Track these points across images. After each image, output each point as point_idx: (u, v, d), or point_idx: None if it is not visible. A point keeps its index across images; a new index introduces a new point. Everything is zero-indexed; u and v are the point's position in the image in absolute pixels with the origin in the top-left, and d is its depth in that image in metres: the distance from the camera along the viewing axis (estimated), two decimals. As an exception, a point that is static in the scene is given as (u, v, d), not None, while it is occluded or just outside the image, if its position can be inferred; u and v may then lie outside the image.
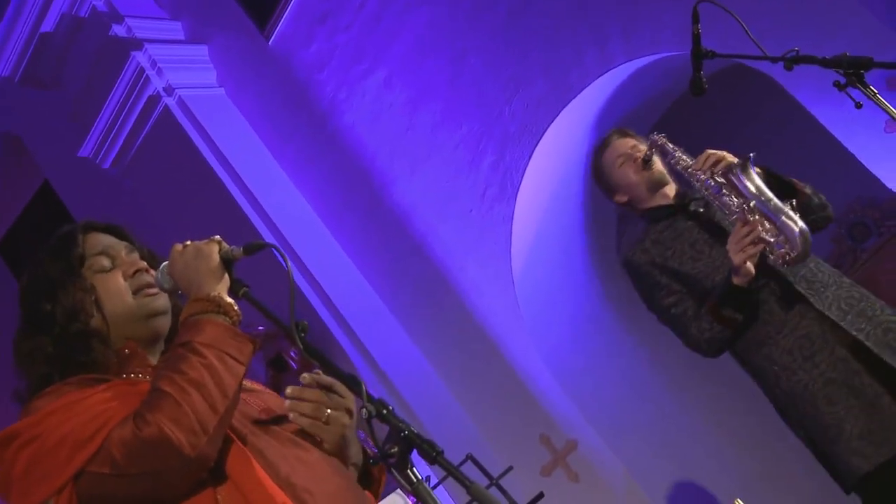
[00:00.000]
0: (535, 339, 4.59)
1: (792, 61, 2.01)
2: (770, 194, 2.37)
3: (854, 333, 2.32)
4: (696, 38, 2.20)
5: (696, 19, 2.18)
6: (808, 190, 2.55)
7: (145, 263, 1.67)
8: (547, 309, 4.70)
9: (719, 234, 2.53)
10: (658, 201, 2.70)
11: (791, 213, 2.32)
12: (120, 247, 1.69)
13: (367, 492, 1.64)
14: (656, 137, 2.63)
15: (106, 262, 1.66)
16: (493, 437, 4.53)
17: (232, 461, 1.46)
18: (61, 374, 1.54)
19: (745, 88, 4.95)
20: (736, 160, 2.40)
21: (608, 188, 2.80)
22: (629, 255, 2.66)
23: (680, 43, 3.95)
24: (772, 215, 2.32)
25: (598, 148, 2.83)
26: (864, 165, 3.79)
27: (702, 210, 2.62)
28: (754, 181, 2.38)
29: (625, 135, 2.82)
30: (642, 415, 4.67)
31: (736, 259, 2.31)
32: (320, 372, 1.59)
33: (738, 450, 4.60)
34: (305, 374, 1.60)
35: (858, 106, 1.92)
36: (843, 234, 5.42)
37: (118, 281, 1.63)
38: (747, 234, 2.31)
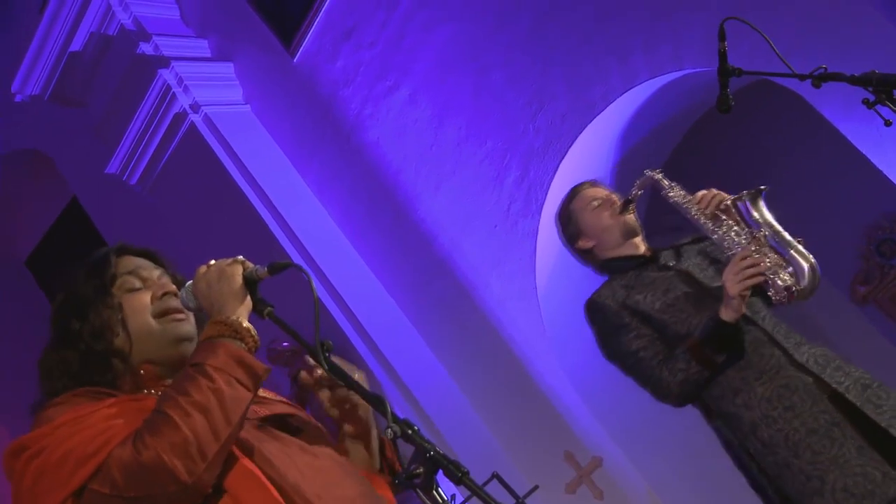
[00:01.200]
0: (560, 355, 4.57)
1: (820, 79, 1.99)
2: (779, 227, 2.31)
3: (835, 386, 2.27)
4: (723, 56, 2.18)
5: (722, 37, 2.16)
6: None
7: (175, 287, 1.68)
8: (571, 325, 4.66)
9: (695, 287, 2.46)
10: (627, 250, 2.62)
11: (800, 247, 2.27)
12: (152, 269, 1.72)
13: (383, 491, 1.63)
14: (651, 173, 2.56)
15: (136, 283, 1.68)
16: (518, 455, 4.50)
17: (235, 478, 1.45)
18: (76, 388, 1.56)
19: (771, 104, 4.92)
20: (745, 192, 2.36)
21: (573, 233, 2.72)
22: (594, 297, 2.56)
23: (703, 59, 3.93)
24: (781, 248, 2.27)
25: (570, 193, 2.77)
26: (891, 181, 3.75)
27: (672, 263, 2.54)
28: (764, 213, 2.33)
29: (597, 184, 2.78)
30: (666, 431, 4.63)
31: (733, 289, 2.23)
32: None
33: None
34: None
35: (888, 124, 1.89)
36: (872, 251, 5.37)
37: (144, 299, 1.65)
38: (749, 266, 2.24)
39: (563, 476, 4.46)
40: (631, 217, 2.63)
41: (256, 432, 1.54)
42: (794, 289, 2.23)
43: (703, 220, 2.40)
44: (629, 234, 2.62)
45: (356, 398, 1.63)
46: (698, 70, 4.03)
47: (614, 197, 2.68)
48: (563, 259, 4.74)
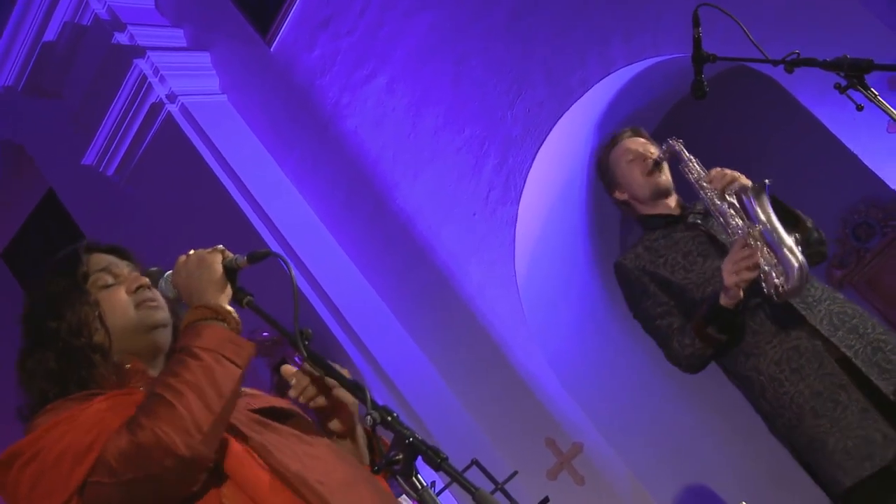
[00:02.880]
0: (540, 342, 4.59)
1: (793, 64, 2.00)
2: (777, 224, 2.32)
3: (843, 350, 2.31)
4: (698, 42, 2.19)
5: (696, 23, 2.17)
6: (809, 224, 2.53)
7: (147, 280, 1.68)
8: (551, 312, 4.70)
9: (714, 247, 2.51)
10: (659, 209, 2.66)
11: (794, 246, 2.28)
12: (122, 265, 1.72)
13: (378, 476, 1.64)
14: (673, 142, 2.58)
15: (109, 279, 1.67)
16: (499, 441, 4.53)
17: (233, 461, 1.46)
18: (61, 390, 1.56)
19: (747, 90, 4.96)
20: (751, 184, 2.36)
21: (610, 183, 2.75)
22: (621, 260, 2.63)
23: (680, 45, 3.95)
24: (774, 245, 2.28)
25: (609, 142, 2.78)
26: (867, 166, 3.79)
27: (699, 222, 2.59)
28: (765, 208, 2.34)
29: (638, 134, 2.77)
30: (647, 417, 4.67)
31: (728, 280, 2.28)
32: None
33: (745, 452, 4.59)
34: (305, 364, 1.62)
35: (860, 108, 1.91)
36: (848, 234, 5.43)
37: (121, 295, 1.65)
38: (745, 258, 2.28)
39: (544, 462, 4.49)
40: (662, 178, 2.64)
41: (253, 424, 1.56)
42: (782, 288, 2.26)
43: (712, 198, 2.43)
44: (659, 194, 2.65)
45: (340, 395, 1.64)
46: (675, 56, 4.05)
47: (650, 152, 2.67)
48: (542, 246, 4.77)
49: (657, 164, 2.62)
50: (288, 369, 1.66)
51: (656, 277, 2.53)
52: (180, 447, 1.35)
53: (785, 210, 2.46)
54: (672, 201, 2.67)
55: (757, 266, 2.27)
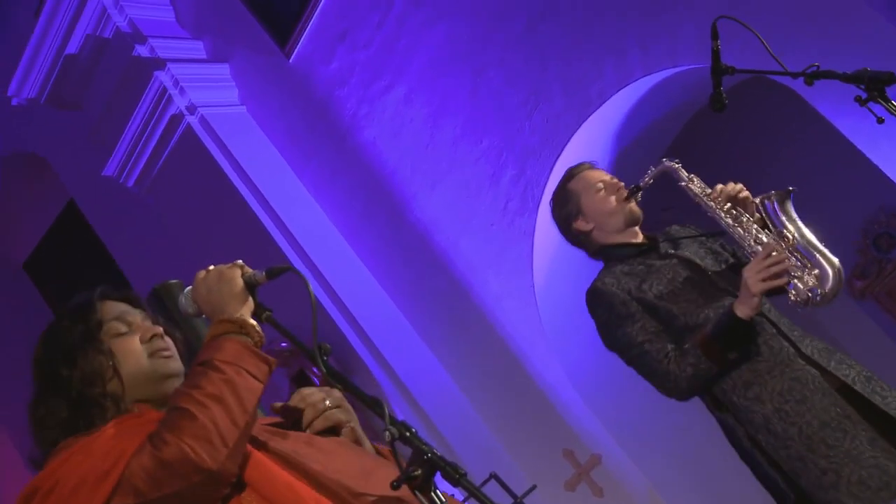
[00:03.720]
0: (558, 352, 4.58)
1: (812, 76, 1.99)
2: (806, 229, 2.27)
3: (842, 378, 2.27)
4: (716, 54, 2.19)
5: (715, 35, 2.17)
6: None
7: (161, 329, 1.69)
8: (569, 322, 4.68)
9: (697, 273, 2.44)
10: (628, 238, 2.57)
11: (825, 250, 2.24)
12: (136, 313, 1.72)
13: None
14: (669, 162, 2.51)
15: (123, 327, 1.67)
16: (517, 453, 4.51)
17: (254, 471, 1.47)
18: (72, 437, 1.55)
19: (766, 100, 4.93)
20: (774, 191, 2.33)
21: (570, 214, 2.63)
22: (598, 285, 2.49)
23: (697, 56, 3.94)
24: (806, 250, 2.23)
25: (568, 173, 2.69)
26: (887, 176, 3.76)
27: (672, 251, 2.51)
28: (790, 214, 2.31)
29: (596, 168, 2.70)
30: (665, 427, 4.64)
31: (756, 286, 2.19)
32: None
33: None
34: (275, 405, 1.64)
35: (880, 121, 1.90)
36: (869, 245, 5.38)
37: (135, 344, 1.65)
38: (774, 264, 2.19)
39: (563, 474, 4.47)
40: (635, 205, 2.57)
41: (268, 434, 1.57)
42: (818, 292, 2.20)
43: (722, 215, 2.36)
44: (632, 221, 2.57)
45: (334, 417, 1.66)
46: (693, 67, 4.04)
47: (619, 182, 2.61)
48: (559, 257, 4.75)
49: (637, 191, 2.55)
50: (275, 407, 1.66)
51: (643, 302, 2.41)
52: (207, 461, 1.35)
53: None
54: (639, 231, 2.59)
55: (786, 272, 2.21)
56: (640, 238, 2.58)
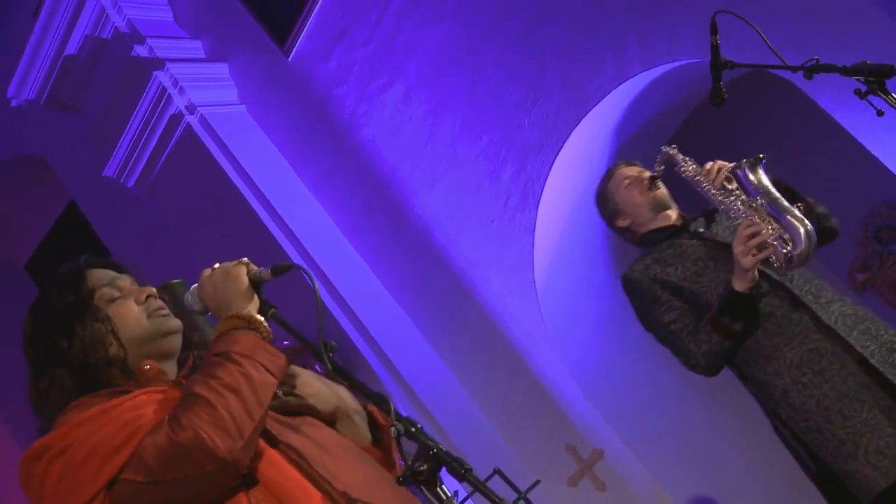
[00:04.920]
0: (559, 349, 4.58)
1: (812, 70, 2.00)
2: (777, 194, 2.35)
3: (860, 350, 2.30)
4: (715, 49, 2.20)
5: (714, 30, 2.18)
6: (810, 199, 2.54)
7: (153, 289, 1.70)
8: (570, 319, 4.69)
9: (723, 252, 2.51)
10: (660, 223, 2.72)
11: (797, 212, 2.31)
12: (124, 278, 1.73)
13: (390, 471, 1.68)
14: (666, 149, 2.64)
15: (115, 292, 1.68)
16: (520, 449, 4.52)
17: (268, 467, 1.47)
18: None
19: (765, 94, 4.93)
20: (744, 160, 2.41)
21: (611, 213, 2.83)
22: (628, 273, 2.66)
23: (696, 51, 3.94)
24: (777, 213, 2.31)
25: (606, 174, 2.88)
26: (888, 169, 3.77)
27: (702, 230, 2.62)
28: (761, 180, 2.38)
29: (630, 163, 2.87)
30: (668, 422, 4.65)
31: (745, 261, 2.29)
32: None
33: (768, 458, 4.56)
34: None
35: (880, 114, 1.91)
36: (869, 238, 5.38)
37: (132, 307, 1.66)
38: (753, 236, 2.29)
39: (565, 469, 4.48)
40: (660, 191, 2.72)
41: (278, 425, 1.58)
42: (791, 254, 2.26)
43: (712, 191, 2.46)
44: (658, 207, 2.72)
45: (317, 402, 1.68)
46: (692, 61, 4.04)
47: (645, 174, 2.76)
48: (560, 252, 4.77)
49: (653, 180, 2.70)
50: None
51: (667, 284, 2.55)
52: (221, 450, 1.36)
53: (785, 188, 2.47)
54: (673, 213, 2.73)
55: (765, 241, 2.28)
56: (672, 220, 2.72)
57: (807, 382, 2.31)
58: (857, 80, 1.92)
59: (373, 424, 1.76)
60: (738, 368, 2.52)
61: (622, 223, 2.79)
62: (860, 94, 1.91)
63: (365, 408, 1.76)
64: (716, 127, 4.73)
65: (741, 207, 2.39)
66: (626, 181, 2.77)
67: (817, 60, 2.02)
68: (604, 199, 2.85)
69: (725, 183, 2.45)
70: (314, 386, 1.73)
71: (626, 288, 2.67)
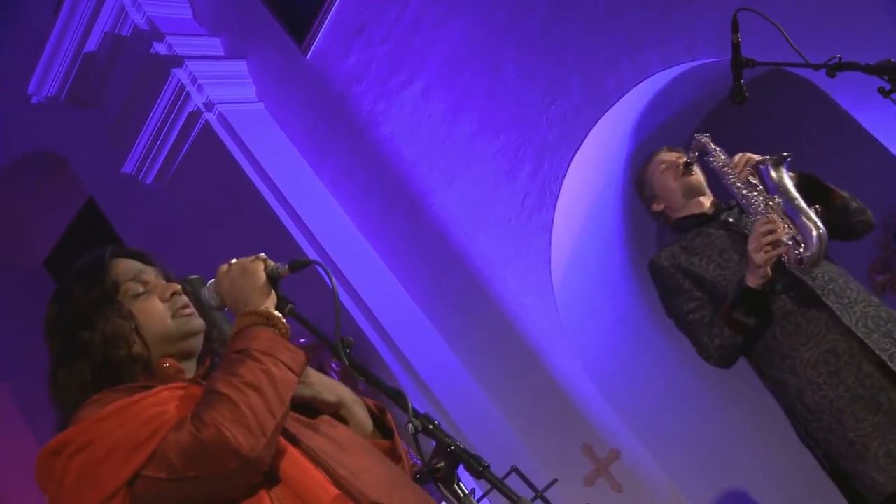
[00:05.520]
0: (576, 348, 4.57)
1: (834, 68, 1.99)
2: (795, 194, 2.36)
3: (878, 353, 2.28)
4: (736, 47, 2.19)
5: (735, 28, 2.17)
6: (846, 194, 2.54)
7: (179, 286, 1.69)
8: (587, 318, 4.68)
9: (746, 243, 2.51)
10: (692, 209, 2.73)
11: (812, 214, 2.31)
12: (149, 271, 1.70)
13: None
14: (699, 137, 2.64)
15: (139, 288, 1.66)
16: (536, 448, 4.52)
17: (290, 466, 1.47)
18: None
19: (786, 93, 4.90)
20: (767, 157, 2.41)
21: (648, 196, 2.85)
22: (655, 259, 2.69)
23: (716, 49, 3.92)
24: (792, 213, 2.32)
25: (647, 158, 2.89)
26: (909, 169, 3.74)
27: (732, 220, 2.62)
28: (783, 179, 2.38)
29: (671, 149, 2.88)
30: (685, 422, 4.64)
31: (757, 258, 2.30)
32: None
33: (785, 458, 4.53)
34: None
35: (903, 112, 1.90)
36: (890, 239, 5.34)
37: (157, 304, 1.64)
38: (767, 233, 2.30)
39: (581, 469, 4.47)
40: (694, 177, 2.73)
41: (298, 426, 1.58)
42: (801, 256, 2.27)
43: (737, 184, 2.47)
44: (691, 193, 2.73)
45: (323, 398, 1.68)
46: (711, 60, 4.02)
47: (679, 159, 2.77)
48: (578, 252, 4.75)
49: (688, 166, 2.70)
50: None
51: (690, 274, 2.56)
52: (245, 448, 1.35)
53: (819, 186, 2.47)
54: (706, 200, 2.73)
55: (780, 240, 2.29)
56: (704, 207, 2.73)
57: (821, 383, 2.31)
58: (881, 78, 1.90)
59: (371, 416, 1.76)
60: (756, 365, 2.53)
61: (657, 207, 2.81)
62: (883, 93, 1.90)
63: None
64: (735, 127, 4.69)
65: (760, 203, 2.39)
66: (663, 165, 2.78)
67: (840, 59, 2.01)
68: (642, 183, 2.87)
69: (750, 177, 2.45)
70: (317, 375, 1.72)
71: (652, 273, 2.70)
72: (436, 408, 4.57)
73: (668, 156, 2.82)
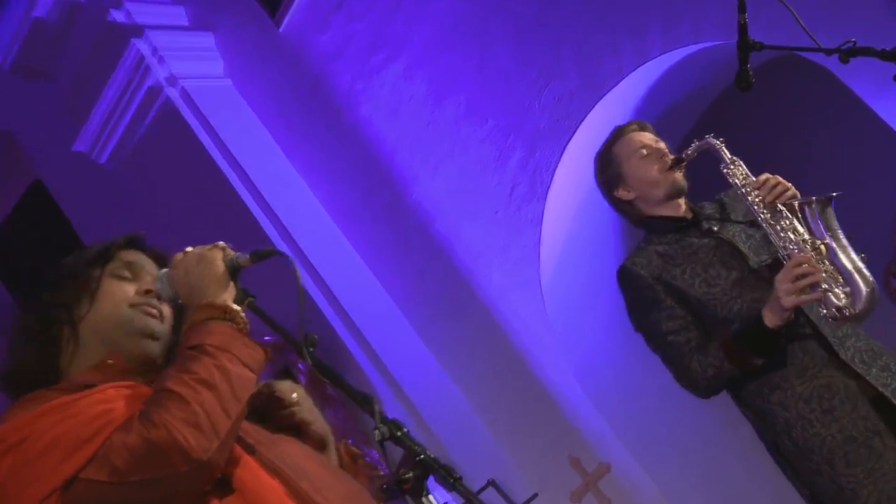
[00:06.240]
0: (565, 351, 4.59)
1: (848, 53, 1.99)
2: (844, 241, 2.30)
3: (880, 389, 2.28)
4: (743, 28, 2.18)
5: (742, 8, 2.16)
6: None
7: (156, 290, 1.70)
8: (578, 319, 4.69)
9: (738, 259, 2.46)
10: (670, 211, 2.60)
11: (862, 265, 2.26)
12: (151, 269, 1.74)
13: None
14: (713, 140, 2.53)
15: (126, 273, 1.71)
16: (520, 459, 4.53)
17: (245, 474, 1.47)
18: (36, 362, 1.59)
19: (797, 80, 4.92)
20: (814, 197, 2.32)
21: (612, 178, 2.66)
22: (628, 264, 2.55)
23: (723, 32, 3.93)
24: (840, 263, 2.25)
25: (614, 133, 2.72)
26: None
27: (715, 229, 2.53)
28: (831, 223, 2.31)
29: (645, 128, 2.72)
30: (679, 436, 4.66)
31: (786, 301, 2.21)
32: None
33: (781, 480, 4.56)
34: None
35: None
36: (910, 238, 5.36)
37: (125, 290, 1.68)
38: (805, 275, 2.22)
39: (569, 483, 4.48)
40: (679, 175, 2.59)
41: (256, 434, 1.58)
42: (847, 311, 2.22)
43: (761, 209, 2.38)
44: (675, 193, 2.59)
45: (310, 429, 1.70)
46: (717, 43, 4.03)
47: (664, 147, 2.64)
48: (569, 248, 4.76)
49: (680, 161, 2.57)
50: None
51: (672, 288, 2.46)
52: (196, 450, 1.34)
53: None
54: (682, 203, 2.62)
55: (817, 283, 2.22)
56: (682, 210, 2.61)
57: (813, 420, 2.28)
58: (898, 65, 1.90)
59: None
60: (735, 391, 2.47)
61: (625, 194, 2.64)
62: (900, 81, 1.90)
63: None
64: (742, 115, 4.72)
65: (793, 238, 2.31)
66: (644, 150, 2.61)
67: (854, 43, 2.01)
68: (606, 161, 2.69)
69: (779, 205, 2.36)
70: (316, 412, 1.75)
71: (623, 280, 2.55)
72: (410, 413, 4.57)
73: (646, 138, 2.67)
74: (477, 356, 4.74)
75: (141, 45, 5.13)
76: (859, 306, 2.22)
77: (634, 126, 2.73)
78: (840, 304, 2.23)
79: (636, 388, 4.69)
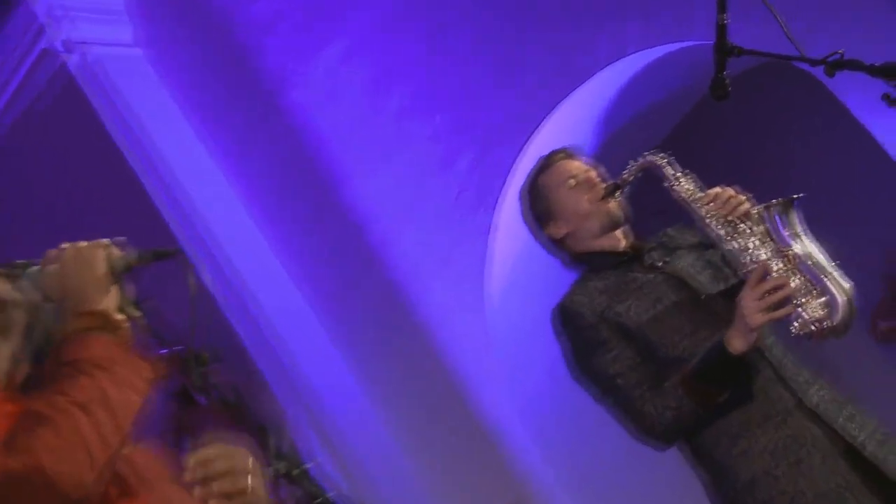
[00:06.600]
0: (509, 384, 4.60)
1: (834, 66, 2.01)
2: (814, 246, 2.29)
3: (849, 440, 2.29)
4: (721, 30, 2.19)
5: (721, 7, 2.17)
6: None
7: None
8: (525, 347, 4.70)
9: (688, 292, 2.46)
10: (606, 244, 2.60)
11: (835, 273, 2.25)
12: None
13: None
14: (651, 157, 2.51)
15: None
16: (449, 503, 4.53)
17: None
18: None
19: (785, 89, 5.01)
20: (774, 201, 2.34)
21: (542, 213, 2.66)
22: (568, 303, 2.52)
23: (709, 30, 3.97)
24: (812, 272, 2.25)
25: (540, 163, 2.72)
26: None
27: (660, 264, 2.53)
28: (796, 228, 2.33)
29: (572, 156, 2.71)
30: (637, 484, 4.69)
31: (754, 319, 2.20)
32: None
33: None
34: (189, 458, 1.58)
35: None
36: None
37: None
38: (774, 289, 2.22)
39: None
40: (615, 204, 2.57)
41: (138, 474, 1.55)
42: (825, 323, 2.22)
43: (714, 225, 2.38)
44: (610, 225, 2.58)
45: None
46: (703, 43, 4.08)
47: (595, 176, 2.62)
48: (520, 264, 4.77)
49: (615, 189, 2.56)
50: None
51: (618, 328, 2.45)
52: (67, 484, 1.33)
53: None
54: (622, 235, 2.62)
55: (789, 298, 2.22)
56: (622, 244, 2.60)
57: (779, 475, 2.28)
58: (887, 83, 1.93)
59: None
60: (691, 444, 2.45)
61: (556, 231, 2.62)
62: (889, 101, 1.93)
63: None
64: (723, 123, 4.79)
65: (756, 252, 2.30)
66: (572, 180, 2.60)
67: (842, 55, 2.03)
68: (535, 194, 2.67)
69: (735, 219, 2.37)
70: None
71: (562, 320, 2.53)
72: (325, 444, 4.55)
73: (576, 166, 2.65)
74: (406, 384, 4.73)
75: (34, 4, 5.07)
76: (837, 317, 2.22)
77: (562, 154, 2.72)
78: (817, 315, 2.22)
79: (587, 429, 4.70)
